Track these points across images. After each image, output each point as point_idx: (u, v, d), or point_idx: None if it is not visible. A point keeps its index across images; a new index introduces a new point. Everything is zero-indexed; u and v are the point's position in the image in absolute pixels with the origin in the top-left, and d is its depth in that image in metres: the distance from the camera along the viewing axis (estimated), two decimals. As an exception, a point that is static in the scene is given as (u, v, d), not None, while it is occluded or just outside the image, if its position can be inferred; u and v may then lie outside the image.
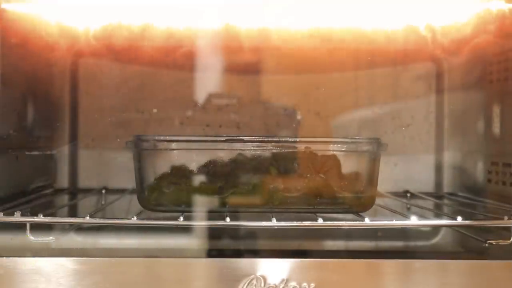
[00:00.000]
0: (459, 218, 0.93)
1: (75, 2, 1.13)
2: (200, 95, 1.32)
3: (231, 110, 1.33)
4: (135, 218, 0.93)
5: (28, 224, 0.91)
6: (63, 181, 1.32)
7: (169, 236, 1.15)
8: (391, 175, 1.33)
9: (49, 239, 0.94)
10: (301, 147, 1.06)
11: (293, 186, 1.03)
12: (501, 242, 0.93)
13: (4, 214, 0.92)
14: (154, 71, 1.33)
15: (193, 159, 1.05)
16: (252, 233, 1.17)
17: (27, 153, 1.18)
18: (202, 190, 1.04)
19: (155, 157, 1.06)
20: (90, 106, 1.33)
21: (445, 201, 1.31)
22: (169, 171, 1.05)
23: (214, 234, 1.12)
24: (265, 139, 1.05)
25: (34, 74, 1.22)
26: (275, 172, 1.04)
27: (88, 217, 0.94)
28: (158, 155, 1.07)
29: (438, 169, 1.35)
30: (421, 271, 0.90)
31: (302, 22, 1.19)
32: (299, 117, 1.35)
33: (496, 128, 1.20)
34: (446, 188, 1.35)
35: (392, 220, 0.96)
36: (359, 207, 1.05)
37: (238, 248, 1.19)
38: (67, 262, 0.88)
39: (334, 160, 1.05)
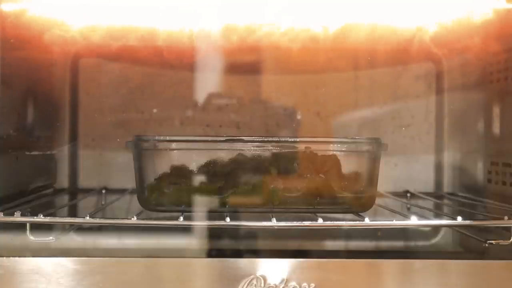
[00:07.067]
0: (459, 218, 0.93)
1: (76, 1, 1.13)
2: (200, 95, 1.32)
3: (231, 110, 1.33)
4: (135, 218, 0.93)
5: (28, 224, 0.91)
6: (63, 181, 1.32)
7: (169, 236, 1.15)
8: (391, 175, 1.33)
9: (49, 239, 0.94)
10: (301, 147, 1.06)
11: (293, 186, 1.03)
12: (501, 242, 0.93)
13: (4, 214, 0.92)
14: (154, 71, 1.33)
15: (193, 159, 1.05)
16: (252, 233, 1.17)
17: (27, 153, 1.18)
18: (202, 190, 1.04)
19: (155, 157, 1.06)
20: (90, 106, 1.33)
21: (445, 201, 1.31)
22: (169, 171, 1.05)
23: (214, 234, 1.12)
24: (265, 139, 1.05)
25: (34, 74, 1.22)
26: (275, 172, 1.04)
27: (88, 217, 0.94)
28: (158, 155, 1.07)
29: (438, 169, 1.35)
30: (421, 271, 0.90)
31: (301, 21, 1.19)
32: (299, 117, 1.35)
33: (496, 128, 1.20)
34: (446, 188, 1.35)
35: (392, 220, 0.96)
36: (359, 207, 1.05)
37: (238, 248, 1.19)
38: (67, 262, 0.88)
39: (334, 160, 1.05)
